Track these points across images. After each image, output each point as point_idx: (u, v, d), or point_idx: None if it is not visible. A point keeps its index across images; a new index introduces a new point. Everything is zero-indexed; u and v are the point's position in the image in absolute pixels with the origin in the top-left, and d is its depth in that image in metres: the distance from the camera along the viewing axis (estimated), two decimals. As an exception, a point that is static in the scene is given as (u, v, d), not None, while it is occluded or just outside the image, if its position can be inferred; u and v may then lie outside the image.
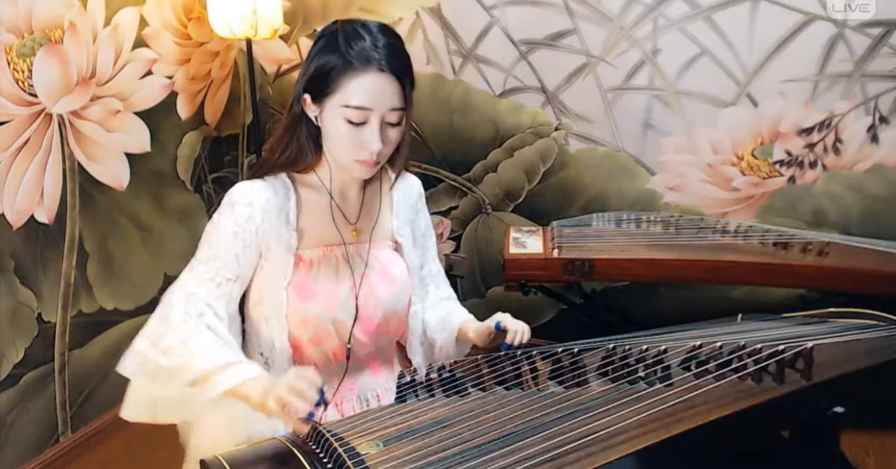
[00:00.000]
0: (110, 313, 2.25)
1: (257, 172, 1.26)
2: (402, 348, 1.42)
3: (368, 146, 1.17)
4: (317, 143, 1.25)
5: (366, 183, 1.32)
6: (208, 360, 1.10)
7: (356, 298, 1.27)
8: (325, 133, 1.22)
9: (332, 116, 1.18)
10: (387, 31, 1.19)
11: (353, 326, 1.27)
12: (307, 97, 1.20)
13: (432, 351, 1.41)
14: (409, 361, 1.40)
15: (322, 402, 1.03)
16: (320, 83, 1.17)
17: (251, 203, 1.22)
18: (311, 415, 1.02)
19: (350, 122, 1.16)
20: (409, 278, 1.34)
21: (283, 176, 1.26)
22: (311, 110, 1.21)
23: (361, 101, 1.15)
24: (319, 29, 1.22)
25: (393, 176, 1.36)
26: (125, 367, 1.20)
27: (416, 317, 1.37)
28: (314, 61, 1.18)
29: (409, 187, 1.39)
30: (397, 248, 1.36)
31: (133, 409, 1.22)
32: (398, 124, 1.19)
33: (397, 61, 1.16)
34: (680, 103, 2.29)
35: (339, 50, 1.15)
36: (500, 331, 1.27)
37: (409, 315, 1.36)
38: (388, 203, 1.35)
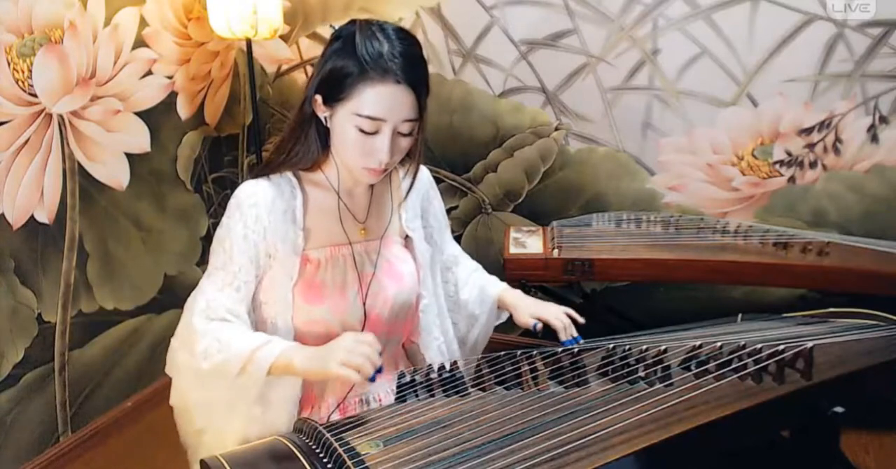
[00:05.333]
0: (110, 313, 2.25)
1: (262, 171, 1.25)
2: (406, 351, 1.41)
3: (377, 155, 1.16)
4: (324, 141, 1.24)
5: None
6: (243, 346, 1.14)
7: (364, 300, 1.26)
8: (335, 137, 1.20)
9: (343, 122, 1.16)
10: (405, 36, 1.17)
11: (362, 329, 1.26)
12: (318, 98, 1.18)
13: (472, 325, 1.48)
14: (413, 363, 1.40)
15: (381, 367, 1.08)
16: (334, 87, 1.15)
17: (257, 203, 1.21)
18: (374, 376, 1.06)
19: (361, 131, 1.15)
20: (417, 276, 1.33)
21: (289, 175, 1.25)
22: (322, 111, 1.19)
23: (375, 111, 1.13)
24: (323, 28, 1.21)
25: (404, 184, 1.35)
26: (182, 385, 1.27)
27: (427, 311, 1.35)
28: (329, 63, 1.16)
29: (418, 178, 1.37)
30: (407, 243, 1.35)
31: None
32: (409, 134, 1.18)
33: (414, 72, 1.15)
34: (680, 103, 2.29)
35: (355, 55, 1.13)
36: (536, 333, 1.37)
37: (419, 310, 1.35)
38: (396, 198, 1.35)
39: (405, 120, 1.15)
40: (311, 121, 1.22)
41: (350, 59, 1.14)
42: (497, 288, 1.48)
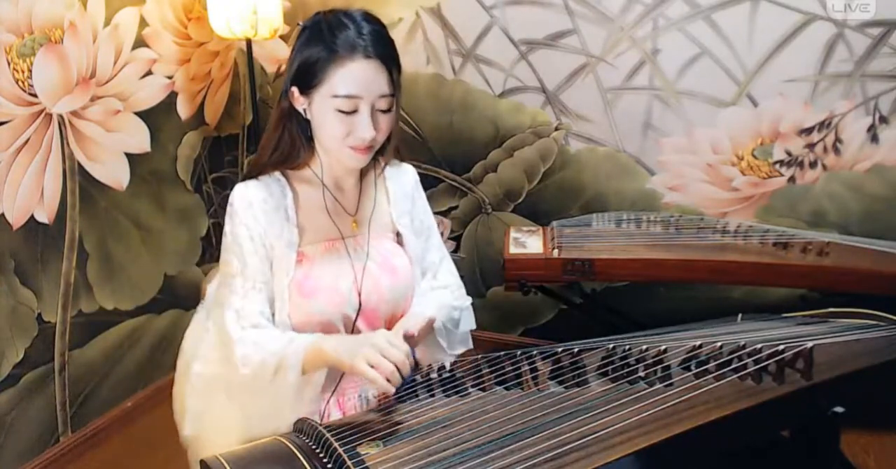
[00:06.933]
0: (110, 313, 2.25)
1: (251, 172, 1.26)
2: None
3: (360, 133, 1.17)
4: (308, 137, 1.25)
5: (362, 174, 1.32)
6: (275, 345, 1.16)
7: (359, 291, 1.26)
8: (316, 125, 1.21)
9: (321, 108, 1.18)
10: (370, 18, 1.19)
11: (356, 319, 1.27)
12: (294, 90, 1.20)
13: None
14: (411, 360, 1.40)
15: (415, 366, 1.07)
16: (307, 75, 1.17)
17: (251, 204, 1.22)
18: (404, 381, 1.05)
19: (340, 112, 1.16)
20: (411, 270, 1.33)
21: (277, 174, 1.26)
22: (300, 103, 1.21)
23: (350, 89, 1.15)
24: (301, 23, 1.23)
25: (384, 164, 1.36)
26: (194, 397, 1.30)
27: None
28: (299, 54, 1.18)
29: (404, 175, 1.38)
30: (399, 239, 1.35)
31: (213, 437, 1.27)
32: (388, 111, 1.19)
33: (383, 47, 1.17)
34: (680, 103, 2.29)
35: (323, 40, 1.15)
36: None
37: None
38: (384, 193, 1.35)
39: (381, 95, 1.17)
40: (290, 116, 1.23)
41: (318, 45, 1.16)
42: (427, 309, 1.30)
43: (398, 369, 1.05)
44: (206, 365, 1.30)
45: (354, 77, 1.14)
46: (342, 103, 1.15)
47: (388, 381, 1.05)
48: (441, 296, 1.37)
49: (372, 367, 1.05)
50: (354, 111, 1.16)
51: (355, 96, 1.15)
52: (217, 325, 1.25)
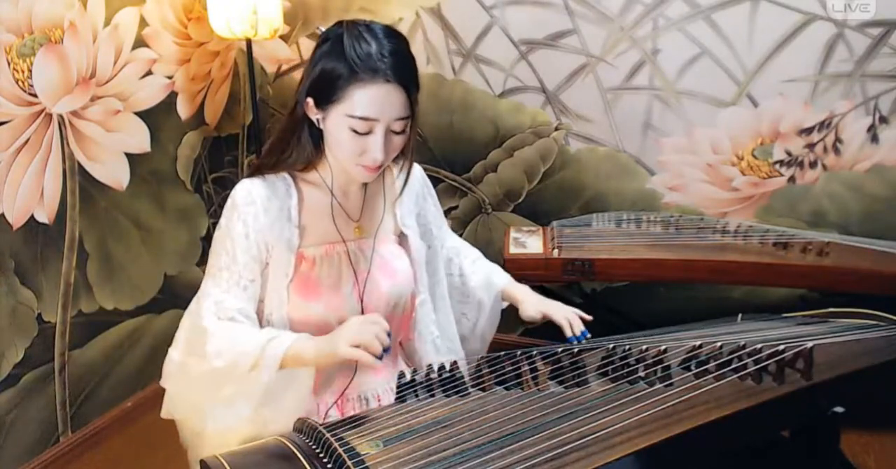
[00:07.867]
0: (110, 313, 2.25)
1: (256, 173, 1.26)
2: (404, 349, 1.42)
3: (372, 154, 1.16)
4: (317, 143, 1.25)
5: None
6: (254, 341, 1.16)
7: (360, 297, 1.27)
8: (328, 138, 1.22)
9: (335, 124, 1.17)
10: (392, 35, 1.17)
11: None
12: (310, 101, 1.19)
13: (480, 313, 1.51)
14: (411, 361, 1.40)
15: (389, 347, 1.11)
16: (325, 90, 1.16)
17: (253, 201, 1.22)
18: (381, 355, 1.09)
19: (354, 132, 1.15)
20: (411, 272, 1.34)
21: (284, 173, 1.26)
22: (314, 114, 1.20)
23: (366, 111, 1.14)
24: (323, 29, 1.21)
25: (398, 182, 1.35)
26: (168, 381, 1.31)
27: (423, 306, 1.36)
28: (318, 66, 1.17)
29: (412, 176, 1.37)
30: (401, 241, 1.36)
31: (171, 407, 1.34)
32: (402, 132, 1.18)
33: (404, 69, 1.15)
34: (680, 103, 2.29)
35: (344, 57, 1.13)
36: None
37: (414, 308, 1.36)
38: (390, 197, 1.35)
39: (397, 118, 1.16)
40: (303, 123, 1.23)
41: (339, 61, 1.14)
42: (502, 280, 1.51)
43: (378, 339, 1.10)
44: (177, 351, 1.31)
45: (372, 100, 1.13)
46: (357, 124, 1.14)
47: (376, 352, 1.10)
48: (492, 266, 1.54)
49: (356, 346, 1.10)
50: (369, 132, 1.15)
51: (371, 119, 1.14)
52: (191, 314, 1.26)
